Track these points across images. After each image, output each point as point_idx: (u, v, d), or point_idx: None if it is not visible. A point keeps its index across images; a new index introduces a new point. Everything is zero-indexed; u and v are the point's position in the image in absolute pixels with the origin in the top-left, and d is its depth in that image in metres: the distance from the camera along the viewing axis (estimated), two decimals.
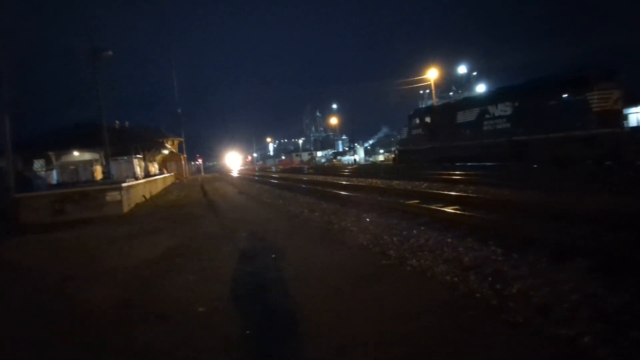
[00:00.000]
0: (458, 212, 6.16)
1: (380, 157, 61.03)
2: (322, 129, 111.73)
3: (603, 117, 14.58)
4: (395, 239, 5.19)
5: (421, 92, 71.50)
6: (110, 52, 21.19)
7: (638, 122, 23.50)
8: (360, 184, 14.36)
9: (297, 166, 57.87)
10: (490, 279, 3.41)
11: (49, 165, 23.75)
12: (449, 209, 6.51)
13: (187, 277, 4.61)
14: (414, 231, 5.42)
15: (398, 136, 35.77)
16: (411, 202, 8.17)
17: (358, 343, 2.62)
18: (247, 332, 3.00)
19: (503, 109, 18.65)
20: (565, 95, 15.81)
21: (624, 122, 16.08)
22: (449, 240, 4.76)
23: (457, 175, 14.24)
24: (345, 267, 4.32)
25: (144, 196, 14.09)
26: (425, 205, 7.22)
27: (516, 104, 17.99)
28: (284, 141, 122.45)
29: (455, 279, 3.56)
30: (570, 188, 8.87)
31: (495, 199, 7.42)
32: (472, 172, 15.36)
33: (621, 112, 15.67)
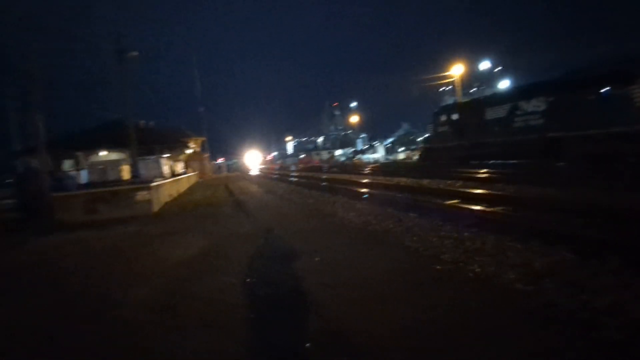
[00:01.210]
0: (510, 212, 5.77)
1: (401, 155, 60.13)
2: (341, 127, 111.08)
3: None
4: (446, 241, 4.86)
5: (442, 89, 70.17)
6: (136, 53, 21.46)
7: None
8: (389, 182, 14.00)
9: (317, 165, 57.68)
10: (570, 288, 3.06)
11: (77, 165, 24.26)
12: (497, 209, 6.13)
13: (228, 279, 4.41)
14: (465, 233, 5.07)
15: (425, 135, 35.09)
16: (450, 202, 7.80)
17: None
18: (307, 344, 2.75)
19: (536, 105, 17.91)
20: (605, 89, 15.03)
21: None
22: (509, 243, 4.40)
23: (490, 173, 13.72)
24: (398, 272, 4.03)
25: (171, 195, 14.11)
26: (468, 206, 6.86)
27: (551, 99, 17.24)
28: (303, 140, 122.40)
29: (529, 288, 3.22)
30: (620, 187, 8.31)
31: (545, 199, 6.98)
32: (505, 171, 14.80)
33: None
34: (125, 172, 16.21)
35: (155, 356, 2.79)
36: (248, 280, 4.35)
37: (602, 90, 15.13)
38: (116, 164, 20.44)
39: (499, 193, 7.99)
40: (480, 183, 11.35)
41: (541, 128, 17.40)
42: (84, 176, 17.06)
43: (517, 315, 2.83)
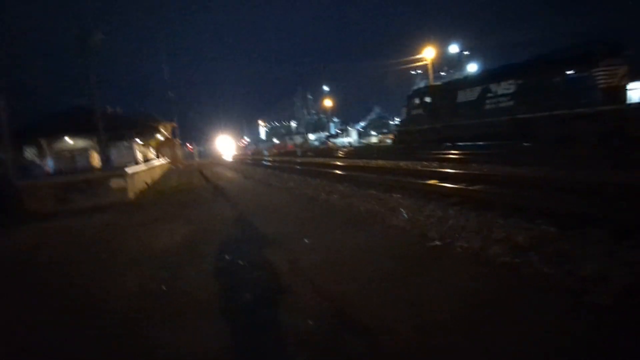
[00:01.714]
0: (489, 190, 6.00)
1: (374, 139, 60.68)
2: (314, 111, 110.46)
3: (608, 94, 14.46)
4: (431, 220, 5.01)
5: (413, 72, 70.92)
6: (101, 35, 20.43)
7: None
8: (366, 165, 14.17)
9: (292, 149, 57.44)
10: (555, 259, 3.25)
11: (40, 153, 23.09)
12: (476, 188, 6.35)
13: (218, 264, 4.41)
14: (450, 211, 5.24)
15: (397, 118, 35.63)
16: (429, 182, 8.00)
17: (434, 333, 2.44)
18: (310, 322, 2.79)
19: (506, 87, 18.41)
20: (571, 71, 15.63)
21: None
22: (492, 219, 4.59)
23: (463, 154, 14.11)
24: (388, 251, 4.13)
25: (145, 182, 13.74)
26: (447, 185, 7.06)
27: (520, 81, 17.76)
28: (276, 124, 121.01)
29: (516, 261, 3.39)
30: (583, 165, 8.76)
31: (519, 177, 7.27)
32: (478, 152, 15.27)
33: (626, 88, 15.56)
34: (95, 159, 15.56)
35: (154, 347, 2.71)
36: (239, 263, 4.34)
37: (568, 73, 15.73)
38: (84, 151, 19.57)
39: (476, 172, 8.26)
40: (456, 164, 11.67)
41: (511, 110, 17.95)
42: (49, 164, 16.24)
43: (507, 287, 2.99)
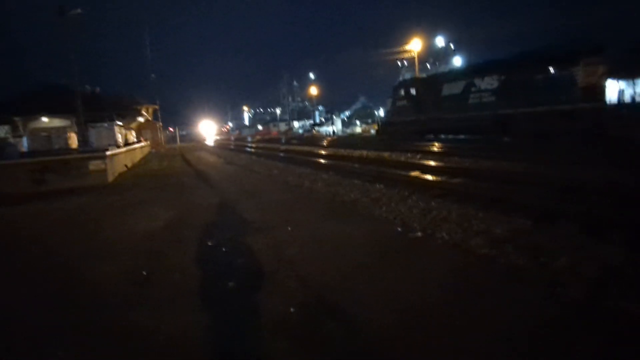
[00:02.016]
0: (470, 184, 6.12)
1: (358, 129, 60.63)
2: (299, 98, 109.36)
3: (587, 92, 14.83)
4: (414, 211, 5.09)
5: (399, 63, 70.73)
6: (79, 10, 19.72)
7: (619, 96, 24.34)
8: (350, 155, 14.22)
9: (276, 136, 57.06)
10: (530, 252, 3.36)
11: (15, 132, 22.23)
12: (458, 180, 6.47)
13: (201, 250, 4.38)
14: (432, 203, 5.33)
15: (382, 109, 35.75)
16: (413, 173, 8.10)
17: (408, 323, 2.49)
18: (292, 309, 2.82)
19: (490, 82, 18.69)
20: (552, 69, 15.95)
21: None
22: (472, 212, 4.69)
23: (445, 147, 14.29)
24: (371, 240, 4.18)
25: (125, 165, 13.45)
26: (430, 177, 7.16)
27: (503, 77, 18.05)
28: (260, 111, 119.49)
29: (493, 252, 3.49)
30: (566, 161, 9.02)
31: (499, 172, 7.44)
32: (459, 145, 15.48)
33: (604, 87, 15.99)
34: (73, 140, 15.12)
35: (133, 332, 2.67)
36: (222, 250, 4.32)
37: (549, 70, 16.06)
38: (62, 131, 18.92)
39: (457, 166, 8.40)
40: (438, 156, 11.83)
41: (493, 105, 18.25)
42: (24, 144, 15.69)
43: (484, 278, 3.07)
